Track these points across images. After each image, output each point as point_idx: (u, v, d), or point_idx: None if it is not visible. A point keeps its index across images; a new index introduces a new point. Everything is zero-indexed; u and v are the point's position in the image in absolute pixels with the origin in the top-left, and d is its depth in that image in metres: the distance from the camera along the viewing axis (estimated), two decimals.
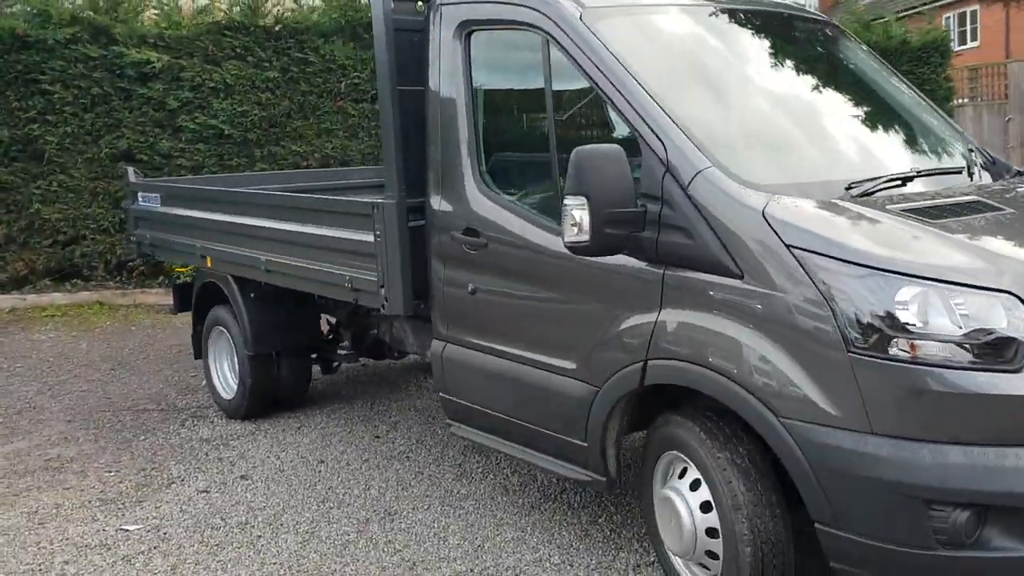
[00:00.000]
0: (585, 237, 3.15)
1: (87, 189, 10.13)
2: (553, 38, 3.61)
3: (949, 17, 27.25)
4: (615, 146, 3.19)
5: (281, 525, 4.35)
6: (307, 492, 4.74)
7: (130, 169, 6.97)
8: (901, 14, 16.23)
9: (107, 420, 6.15)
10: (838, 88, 4.07)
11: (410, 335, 5.34)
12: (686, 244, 3.15)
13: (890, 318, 2.73)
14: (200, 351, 6.39)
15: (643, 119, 3.29)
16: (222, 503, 4.65)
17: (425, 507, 4.48)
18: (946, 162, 3.83)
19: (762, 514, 3.05)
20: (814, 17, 4.51)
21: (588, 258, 3.36)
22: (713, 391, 3.10)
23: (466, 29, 4.03)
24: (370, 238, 4.39)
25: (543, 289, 3.73)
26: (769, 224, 2.96)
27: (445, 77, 4.09)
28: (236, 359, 5.95)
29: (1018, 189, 3.58)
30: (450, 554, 3.97)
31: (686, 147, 3.19)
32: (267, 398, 5.93)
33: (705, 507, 3.22)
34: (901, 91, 4.28)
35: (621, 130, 3.45)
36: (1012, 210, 3.22)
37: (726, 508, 3.08)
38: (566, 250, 3.46)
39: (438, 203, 4.16)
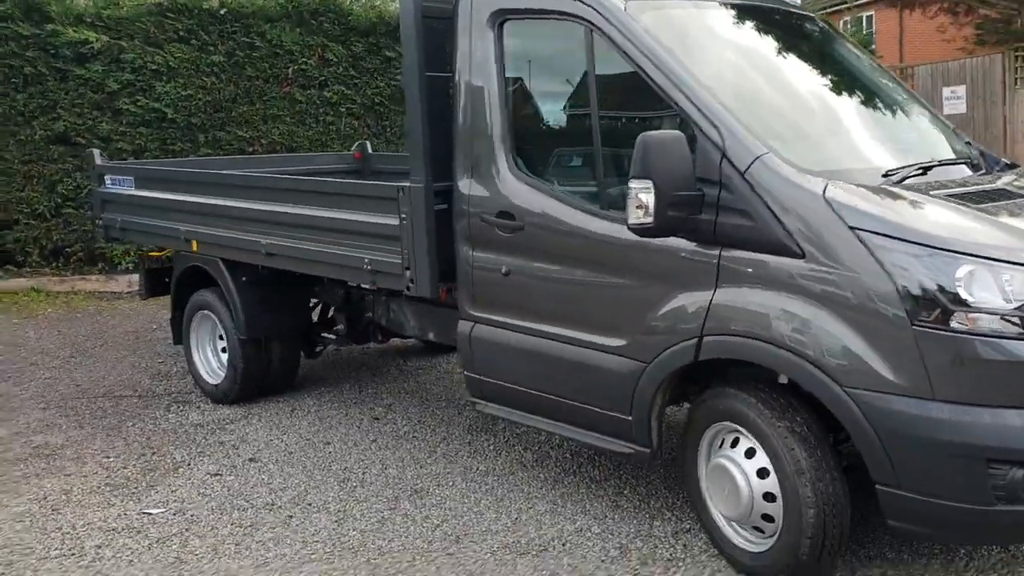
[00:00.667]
0: (649, 219, 3.31)
1: (20, 172, 9.73)
2: (598, 28, 3.74)
3: (846, 21, 28.51)
4: (678, 132, 3.36)
5: (309, 505, 4.37)
6: (324, 473, 4.76)
7: (96, 151, 6.77)
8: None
9: (85, 407, 5.98)
10: (851, 82, 4.34)
11: (410, 318, 5.43)
12: (745, 226, 3.34)
13: (950, 294, 2.98)
14: (180, 336, 6.27)
15: (697, 107, 3.46)
16: (239, 485, 4.63)
17: (449, 484, 4.57)
18: (949, 153, 4.13)
19: (823, 477, 3.28)
20: (815, 17, 4.78)
21: (640, 239, 3.51)
22: (774, 364, 3.31)
23: (500, 18, 4.12)
24: (394, 221, 4.44)
25: (586, 270, 3.86)
26: (831, 207, 3.18)
27: (477, 65, 4.17)
28: (224, 343, 5.89)
29: None
30: (490, 527, 4.08)
31: (742, 134, 3.38)
32: (258, 382, 5.89)
33: (761, 473, 3.43)
34: (898, 87, 4.59)
35: (668, 118, 3.61)
36: None
37: (788, 473, 3.29)
38: (612, 233, 3.64)
39: (468, 187, 4.24)
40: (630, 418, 3.78)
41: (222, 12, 9.89)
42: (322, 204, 4.90)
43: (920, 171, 3.63)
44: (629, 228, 3.39)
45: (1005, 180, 3.84)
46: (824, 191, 3.22)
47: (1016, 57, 12.73)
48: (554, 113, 4.42)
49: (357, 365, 6.87)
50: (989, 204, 3.37)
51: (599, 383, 3.85)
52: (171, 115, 9.82)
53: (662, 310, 3.59)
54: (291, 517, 4.24)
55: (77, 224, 9.88)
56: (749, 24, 4.25)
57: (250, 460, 4.97)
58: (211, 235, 5.67)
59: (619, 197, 3.66)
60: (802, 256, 3.22)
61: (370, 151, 8.08)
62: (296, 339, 6.02)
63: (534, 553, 3.83)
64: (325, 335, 6.06)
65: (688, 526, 4.02)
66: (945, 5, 15.10)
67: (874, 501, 3.19)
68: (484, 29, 4.15)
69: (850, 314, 3.13)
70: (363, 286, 5.51)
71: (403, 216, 4.37)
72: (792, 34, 4.39)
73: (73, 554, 3.92)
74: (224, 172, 6.30)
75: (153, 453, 5.12)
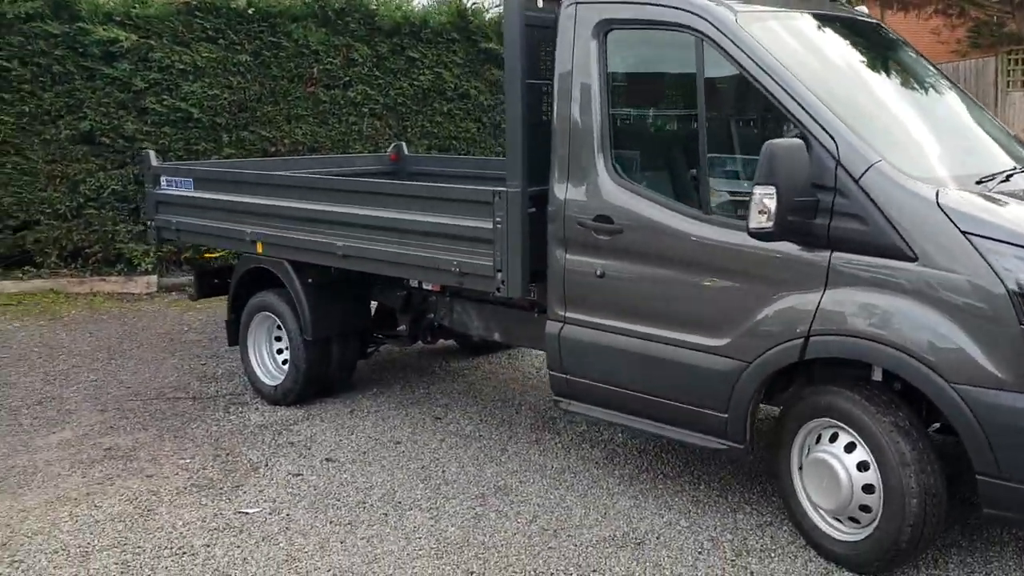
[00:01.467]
0: (770, 224, 3.46)
1: (43, 172, 9.70)
2: (709, 38, 3.89)
3: None
4: (800, 141, 3.51)
5: (400, 503, 4.48)
6: (404, 472, 4.87)
7: (151, 152, 6.81)
8: None
9: (142, 409, 6.03)
10: (929, 90, 4.52)
11: (475, 319, 5.56)
12: (859, 230, 3.50)
13: None
14: (236, 338, 6.34)
15: (812, 116, 3.62)
16: (324, 485, 4.72)
17: (530, 481, 4.70)
18: (1020, 160, 4.31)
19: (925, 469, 3.45)
20: (883, 26, 4.95)
21: (749, 243, 3.66)
22: (884, 362, 3.48)
23: (605, 28, 4.26)
24: (488, 224, 4.55)
25: (687, 273, 4.00)
26: (945, 212, 3.35)
27: (579, 73, 4.30)
28: (286, 344, 5.98)
29: None
30: (582, 522, 4.21)
31: (856, 142, 3.55)
32: (319, 382, 5.99)
33: (861, 466, 3.59)
34: (963, 95, 4.77)
35: (778, 125, 3.77)
36: None
37: (893, 465, 3.46)
38: (717, 236, 3.80)
39: (564, 192, 4.37)
40: (726, 415, 3.93)
41: (250, 11, 9.91)
42: (411, 207, 4.98)
43: (1005, 178, 3.81)
44: (749, 232, 3.54)
45: None
46: (937, 197, 3.39)
47: (1009, 60, 13.03)
48: (656, 119, 4.55)
49: (402, 366, 6.96)
50: None
51: (696, 381, 4.00)
52: (197, 115, 9.83)
53: (768, 311, 3.74)
54: (386, 515, 4.35)
55: (98, 224, 9.87)
56: (838, 34, 4.42)
57: (327, 460, 5.07)
58: (280, 237, 5.74)
59: (726, 202, 3.81)
60: (915, 259, 3.39)
61: (406, 152, 8.19)
62: (355, 340, 6.11)
63: (632, 546, 3.97)
64: (386, 335, 6.15)
65: (770, 519, 4.18)
66: (939, 7, 15.41)
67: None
68: (588, 38, 4.27)
69: (960, 314, 3.30)
70: (424, 287, 5.64)
71: (498, 220, 4.49)
72: (874, 43, 4.58)
73: (185, 553, 4.00)
74: (301, 175, 6.37)
75: (227, 454, 5.20)
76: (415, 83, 10.79)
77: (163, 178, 6.63)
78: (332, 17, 10.33)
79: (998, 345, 3.24)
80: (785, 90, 3.69)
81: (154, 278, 10.03)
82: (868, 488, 3.59)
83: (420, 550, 3.99)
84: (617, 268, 4.24)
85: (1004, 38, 15.20)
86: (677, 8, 3.99)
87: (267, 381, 6.12)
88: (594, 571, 3.77)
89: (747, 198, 3.59)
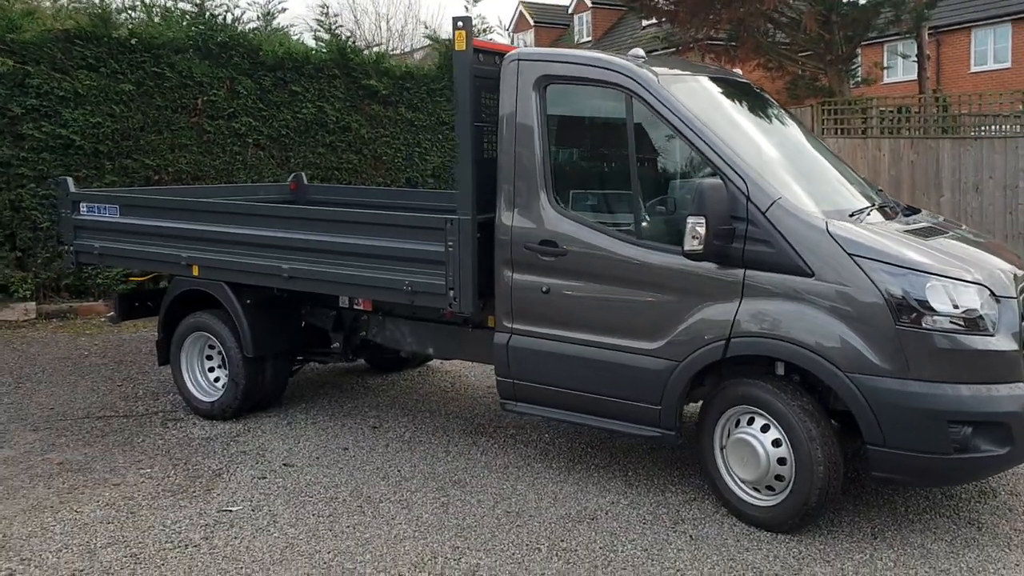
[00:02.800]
0: (701, 247, 4.30)
1: None
2: (637, 95, 4.72)
3: None
4: (719, 181, 4.38)
5: (370, 497, 4.97)
6: (363, 472, 5.35)
7: (68, 179, 6.93)
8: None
9: (75, 428, 6.18)
10: (799, 139, 5.55)
11: (408, 335, 6.14)
12: (767, 252, 4.39)
13: (921, 302, 4.15)
14: (167, 357, 6.58)
15: (725, 161, 4.50)
16: (293, 485, 5.14)
17: (481, 476, 5.30)
18: (874, 199, 5.38)
19: (828, 443, 4.36)
20: (756, 86, 5.98)
21: (679, 262, 4.50)
22: (791, 357, 4.37)
23: (544, 82, 5.01)
24: (440, 248, 5.17)
25: (625, 288, 4.77)
26: (834, 238, 4.30)
27: (522, 118, 5.02)
28: (217, 363, 6.34)
29: (939, 218, 5.25)
30: (539, 504, 4.88)
31: (761, 183, 4.45)
32: (255, 398, 6.35)
33: (775, 443, 4.47)
34: (819, 142, 5.85)
35: (695, 166, 4.65)
36: (955, 231, 4.83)
37: (803, 441, 4.34)
38: (650, 259, 4.64)
39: (511, 220, 5.06)
40: (660, 407, 4.72)
41: (132, 42, 10.03)
42: (370, 234, 5.48)
43: (868, 213, 4.84)
44: (684, 253, 4.37)
45: (927, 220, 5.14)
46: (827, 227, 4.33)
47: (823, 110, 14.88)
48: (591, 159, 5.33)
49: (321, 384, 7.39)
50: (932, 238, 4.62)
51: (634, 379, 4.77)
52: (79, 142, 9.82)
53: (695, 319, 4.57)
54: (361, 507, 4.84)
55: None
56: (729, 92, 5.36)
57: (286, 464, 5.48)
58: (219, 260, 6.10)
59: (655, 229, 4.65)
60: (812, 275, 4.31)
61: (305, 182, 8.63)
62: (289, 357, 6.52)
63: (588, 521, 4.67)
64: (320, 352, 6.59)
65: (694, 496, 4.99)
66: (761, 62, 17.32)
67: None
68: (530, 89, 5.01)
69: (850, 318, 4.23)
70: (356, 306, 6.17)
71: (450, 244, 5.11)
72: (753, 99, 5.55)
73: (187, 545, 4.35)
74: (247, 202, 6.74)
75: (185, 463, 5.50)
76: (298, 115, 11.18)
77: (83, 204, 6.78)
78: (215, 50, 10.59)
79: (880, 341, 4.19)
80: (702, 139, 4.56)
81: (32, 304, 9.88)
82: (781, 461, 4.46)
83: (403, 533, 4.52)
84: (561, 285, 4.96)
85: (818, 91, 17.22)
86: (609, 70, 4.82)
87: (203, 397, 6.41)
88: (561, 540, 4.44)
89: (670, 225, 4.54)
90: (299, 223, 5.83)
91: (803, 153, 5.45)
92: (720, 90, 5.32)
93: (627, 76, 4.78)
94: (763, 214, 4.41)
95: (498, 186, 5.13)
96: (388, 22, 41.79)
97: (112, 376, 7.56)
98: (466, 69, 5.07)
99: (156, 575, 4.07)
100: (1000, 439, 4.20)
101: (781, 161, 5.03)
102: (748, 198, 4.44)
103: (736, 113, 5.22)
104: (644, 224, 4.78)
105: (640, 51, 5.04)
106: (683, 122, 4.62)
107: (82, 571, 4.10)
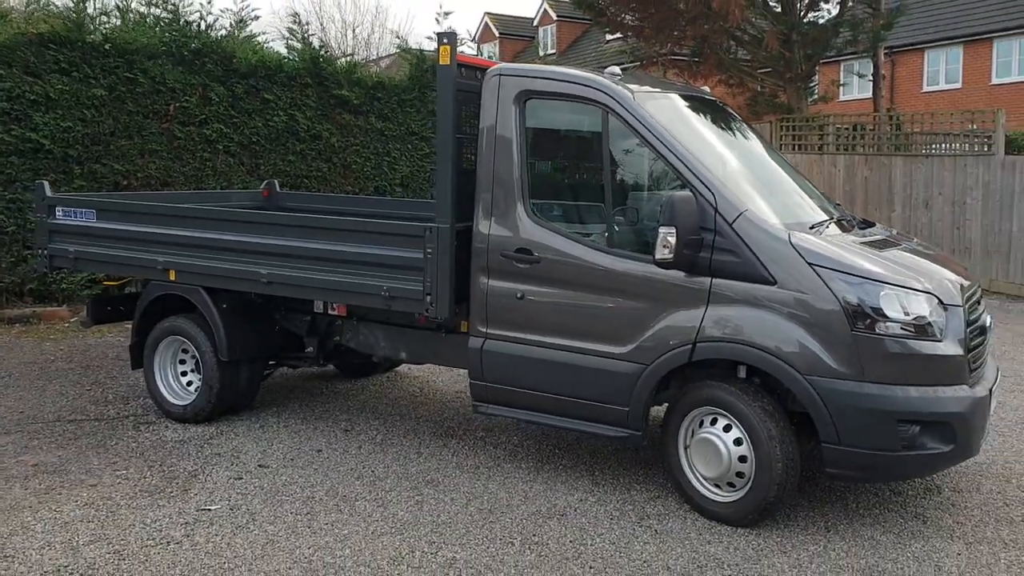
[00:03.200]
0: (671, 256, 4.52)
1: None
2: (613, 111, 4.93)
3: None
4: (689, 193, 4.60)
5: (346, 496, 5.11)
6: (337, 473, 5.48)
7: (45, 183, 6.98)
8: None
9: (47, 431, 6.23)
10: (762, 153, 5.81)
11: (382, 340, 6.29)
12: (733, 261, 4.62)
13: (875, 309, 4.40)
14: (140, 361, 6.65)
15: (695, 174, 4.73)
16: (269, 485, 5.26)
17: (453, 475, 5.46)
18: (831, 212, 5.65)
19: (786, 441, 4.59)
20: (723, 103, 6.24)
21: (649, 270, 4.71)
22: (753, 361, 4.59)
23: (524, 97, 5.21)
24: (418, 255, 5.33)
25: (596, 294, 4.97)
26: (795, 249, 4.54)
27: (502, 131, 5.21)
28: (190, 367, 6.44)
29: (892, 232, 5.52)
30: (510, 502, 5.05)
31: (729, 195, 4.68)
32: (229, 402, 6.44)
33: (736, 442, 4.69)
34: (781, 157, 6.11)
35: (667, 179, 4.87)
36: (907, 243, 5.11)
37: (763, 439, 4.57)
38: (621, 266, 4.83)
39: (488, 228, 5.25)
40: (628, 409, 4.93)
41: (106, 47, 10.07)
42: (347, 239, 5.62)
43: (827, 225, 5.10)
44: (655, 262, 4.58)
45: (881, 233, 5.41)
46: (789, 238, 4.57)
47: (781, 126, 15.29)
48: (567, 171, 5.52)
49: (291, 388, 7.50)
50: (886, 249, 4.88)
51: (603, 382, 4.97)
52: (48, 146, 9.83)
53: (663, 324, 4.78)
54: (338, 506, 4.97)
55: None
56: (698, 108, 5.60)
57: (261, 466, 5.59)
58: (196, 265, 6.20)
59: (628, 239, 4.85)
60: (774, 283, 4.54)
61: (278, 189, 8.74)
62: (263, 361, 6.62)
63: (558, 517, 4.85)
64: (295, 357, 6.70)
65: (658, 493, 5.20)
66: (722, 78, 17.73)
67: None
68: (510, 103, 5.20)
69: (809, 324, 4.47)
70: (330, 311, 6.31)
71: (428, 251, 5.28)
72: (720, 115, 5.80)
73: (169, 542, 4.45)
74: (226, 208, 6.86)
75: (160, 465, 5.59)
76: (269, 123, 11.28)
77: (59, 208, 6.84)
78: (189, 57, 10.67)
79: (836, 346, 4.43)
80: (673, 153, 4.79)
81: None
82: (742, 459, 4.68)
83: (380, 530, 4.67)
84: (536, 292, 5.15)
85: (777, 107, 17.66)
86: (587, 86, 5.03)
87: (176, 401, 6.49)
88: (533, 535, 4.62)
89: (641, 235, 4.79)
90: (281, 229, 5.96)
91: (767, 168, 5.70)
92: (690, 106, 5.56)
93: (604, 93, 4.99)
94: (730, 225, 4.63)
95: (476, 195, 5.31)
96: (355, 30, 41.66)
97: (80, 380, 7.60)
98: (449, 83, 5.25)
99: (141, 570, 4.17)
100: (945, 437, 4.46)
101: (747, 175, 5.27)
102: (716, 210, 4.67)
103: (705, 129, 5.46)
104: (616, 233, 4.99)
105: (616, 69, 5.27)
106: (656, 137, 4.84)
107: (67, 567, 4.19)
